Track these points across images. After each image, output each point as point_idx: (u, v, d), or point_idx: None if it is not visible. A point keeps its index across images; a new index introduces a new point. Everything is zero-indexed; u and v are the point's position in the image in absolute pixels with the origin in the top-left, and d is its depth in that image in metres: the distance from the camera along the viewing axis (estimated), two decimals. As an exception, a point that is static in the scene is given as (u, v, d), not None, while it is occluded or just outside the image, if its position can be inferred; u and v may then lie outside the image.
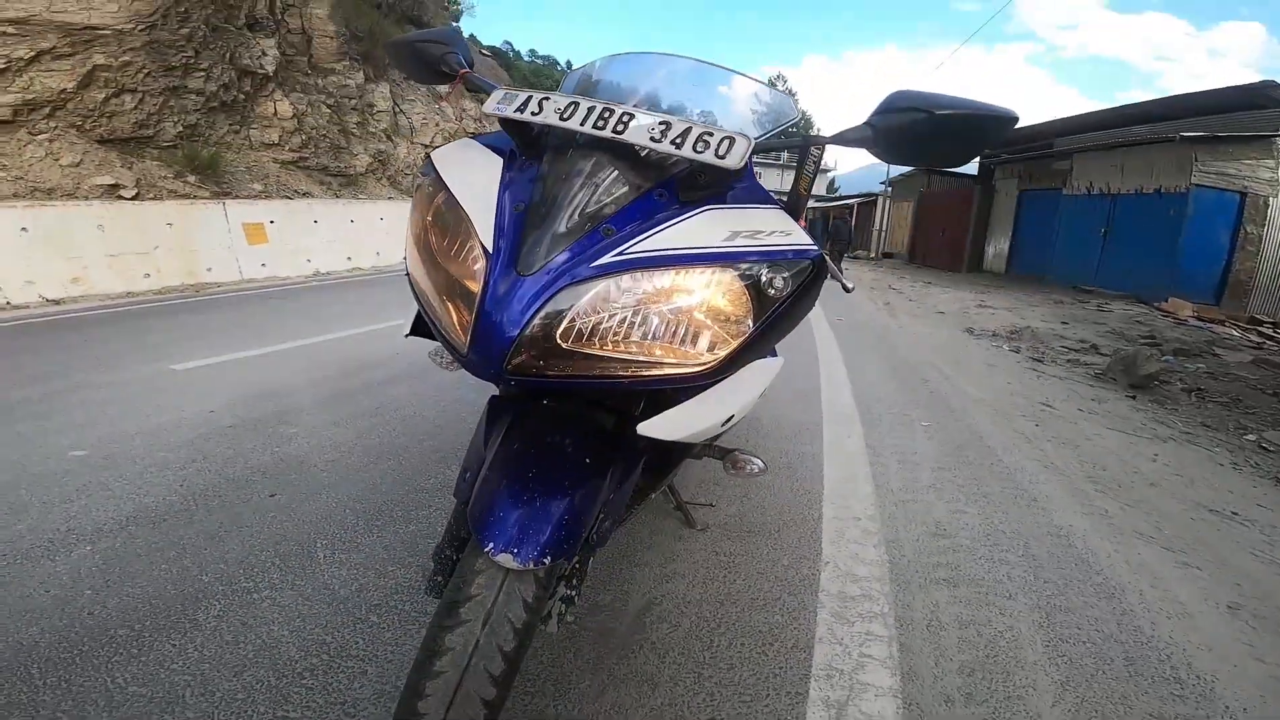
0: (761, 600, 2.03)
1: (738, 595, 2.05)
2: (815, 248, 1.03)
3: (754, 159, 1.07)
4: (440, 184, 1.11)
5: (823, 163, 1.37)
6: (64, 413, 3.55)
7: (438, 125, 17.73)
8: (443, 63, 1.44)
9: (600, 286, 0.93)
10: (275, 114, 12.68)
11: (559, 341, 0.93)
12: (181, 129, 10.76)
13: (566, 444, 1.11)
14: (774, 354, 1.29)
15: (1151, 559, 2.48)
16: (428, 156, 1.22)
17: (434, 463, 2.96)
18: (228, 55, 11.43)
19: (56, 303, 7.13)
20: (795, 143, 1.25)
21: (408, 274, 1.20)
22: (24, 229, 7.04)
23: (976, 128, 1.08)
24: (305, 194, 12.32)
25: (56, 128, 9.26)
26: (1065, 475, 3.31)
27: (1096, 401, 5.08)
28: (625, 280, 0.94)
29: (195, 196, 9.94)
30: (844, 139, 1.16)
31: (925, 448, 3.43)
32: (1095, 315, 10.41)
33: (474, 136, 1.25)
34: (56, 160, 9.03)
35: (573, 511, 1.01)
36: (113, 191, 9.19)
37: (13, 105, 8.71)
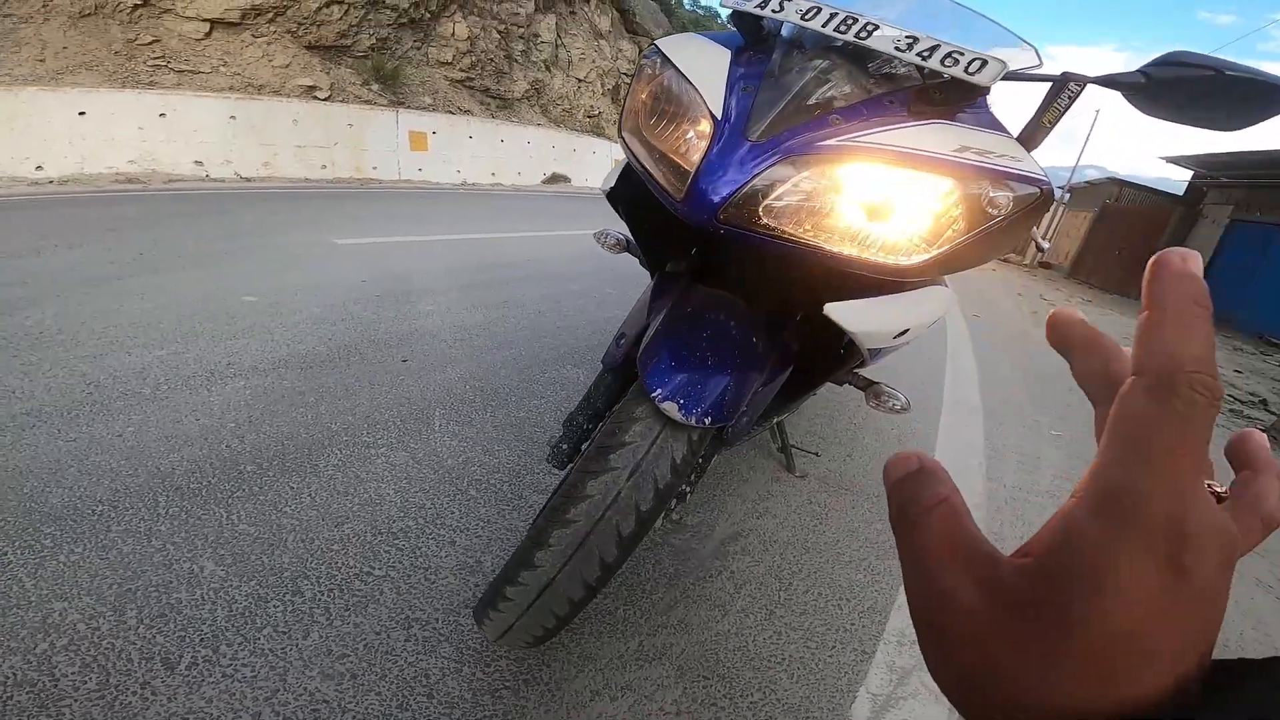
0: (847, 557, 1.78)
1: (824, 547, 1.80)
2: (1046, 178, 0.91)
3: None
4: (667, 63, 1.05)
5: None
6: (243, 265, 3.71)
7: (594, 63, 17.26)
8: None
9: (820, 165, 0.87)
10: (453, 34, 12.69)
11: (768, 208, 0.88)
12: (374, 41, 10.99)
13: (731, 325, 1.07)
14: (945, 285, 1.17)
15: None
16: (652, 43, 1.16)
17: (551, 360, 2.80)
18: (422, -27, 11.37)
19: (247, 180, 7.56)
20: (1052, 76, 1.06)
21: (622, 137, 1.15)
22: (233, 117, 7.54)
23: (1263, 95, 0.94)
24: (466, 111, 12.43)
25: (274, 32, 9.65)
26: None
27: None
28: (846, 166, 0.87)
29: (375, 103, 10.24)
30: (1113, 81, 0.99)
31: (1051, 455, 2.90)
32: (1277, 371, 8.57)
33: (700, 33, 1.16)
34: (270, 61, 9.43)
35: (733, 385, 0.97)
36: (310, 92, 9.56)
37: (241, 8, 9.12)
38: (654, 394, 0.91)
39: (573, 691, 1.12)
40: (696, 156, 0.91)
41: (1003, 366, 4.57)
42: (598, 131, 16.93)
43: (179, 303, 2.85)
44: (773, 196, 0.87)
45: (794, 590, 1.55)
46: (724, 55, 1.04)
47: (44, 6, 7.55)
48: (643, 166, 1.05)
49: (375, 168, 9.27)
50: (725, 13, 1.09)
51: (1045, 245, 1.55)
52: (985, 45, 1.37)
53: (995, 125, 1.00)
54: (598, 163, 15.02)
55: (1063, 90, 1.01)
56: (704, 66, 1.01)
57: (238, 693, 1.01)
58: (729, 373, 0.98)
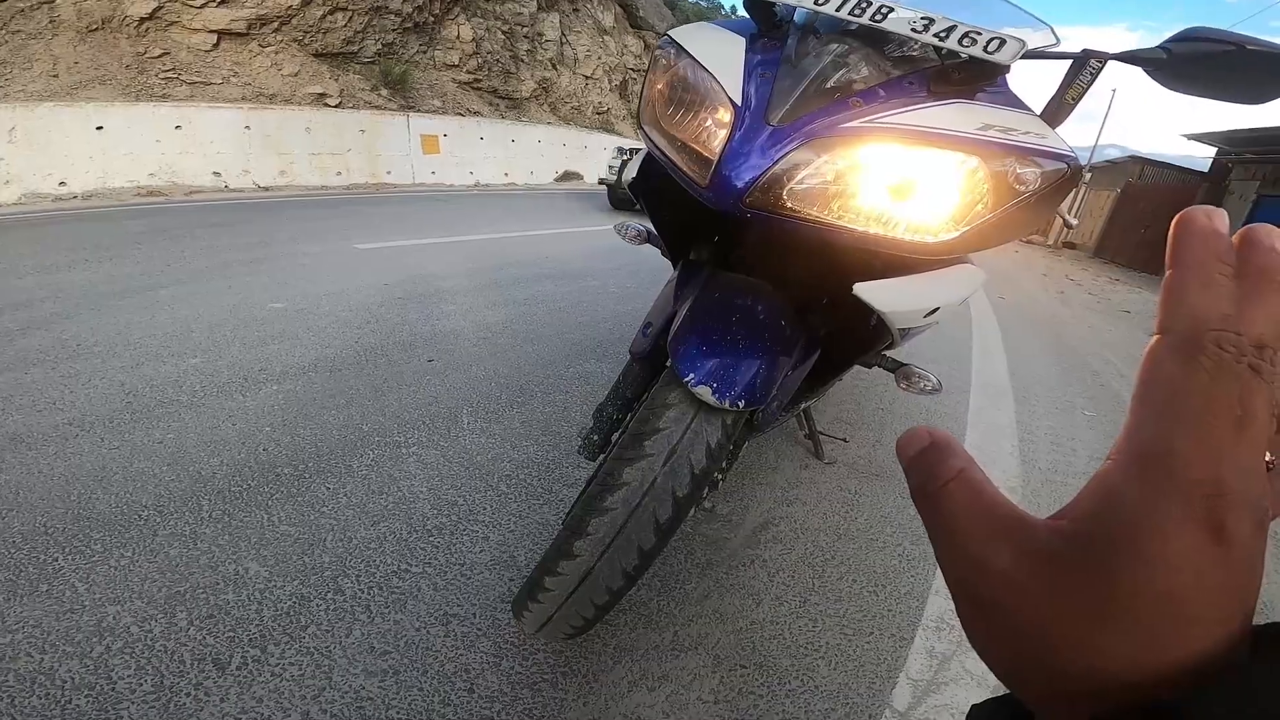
0: (881, 543, 1.74)
1: (857, 533, 1.76)
2: (1073, 153, 0.89)
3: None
4: (682, 52, 1.03)
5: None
6: (268, 273, 3.74)
7: (600, 59, 17.16)
8: None
9: (843, 147, 0.86)
10: (458, 37, 12.69)
11: (794, 190, 0.87)
12: (380, 46, 11.03)
13: (759, 310, 1.04)
14: (972, 264, 1.12)
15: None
16: (665, 33, 1.14)
17: (574, 354, 2.80)
18: (423, -23, 11.34)
19: (265, 189, 7.60)
20: (1072, 53, 1.04)
21: (641, 128, 1.13)
22: (247, 127, 7.59)
23: None
24: (475, 113, 12.45)
25: (281, 41, 9.71)
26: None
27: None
28: (869, 147, 0.85)
29: (385, 108, 10.28)
30: (1134, 57, 0.97)
31: (1086, 435, 2.81)
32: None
33: (712, 21, 1.13)
34: (279, 70, 9.48)
35: (765, 366, 0.96)
36: (320, 100, 9.61)
37: (247, 19, 9.17)
38: (687, 378, 0.90)
39: (610, 683, 1.12)
40: (718, 144, 0.90)
41: (1029, 349, 4.47)
42: (608, 128, 16.86)
43: (209, 312, 2.88)
44: (797, 180, 0.86)
45: (828, 577, 1.53)
46: (739, 43, 1.02)
47: (50, 23, 7.61)
48: (665, 156, 1.03)
49: (389, 172, 9.30)
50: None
51: (1073, 222, 1.50)
52: (1001, 26, 1.32)
53: (1017, 103, 0.98)
54: (610, 159, 15.02)
55: (1084, 67, 0.98)
56: (719, 54, 0.99)
57: (286, 692, 1.02)
58: (759, 356, 0.96)
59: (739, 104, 0.90)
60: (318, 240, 4.78)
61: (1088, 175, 21.56)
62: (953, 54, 0.89)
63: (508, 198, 9.75)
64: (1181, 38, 0.96)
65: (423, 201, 8.01)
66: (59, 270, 3.35)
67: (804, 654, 1.24)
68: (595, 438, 1.18)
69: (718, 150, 0.89)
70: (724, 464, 1.05)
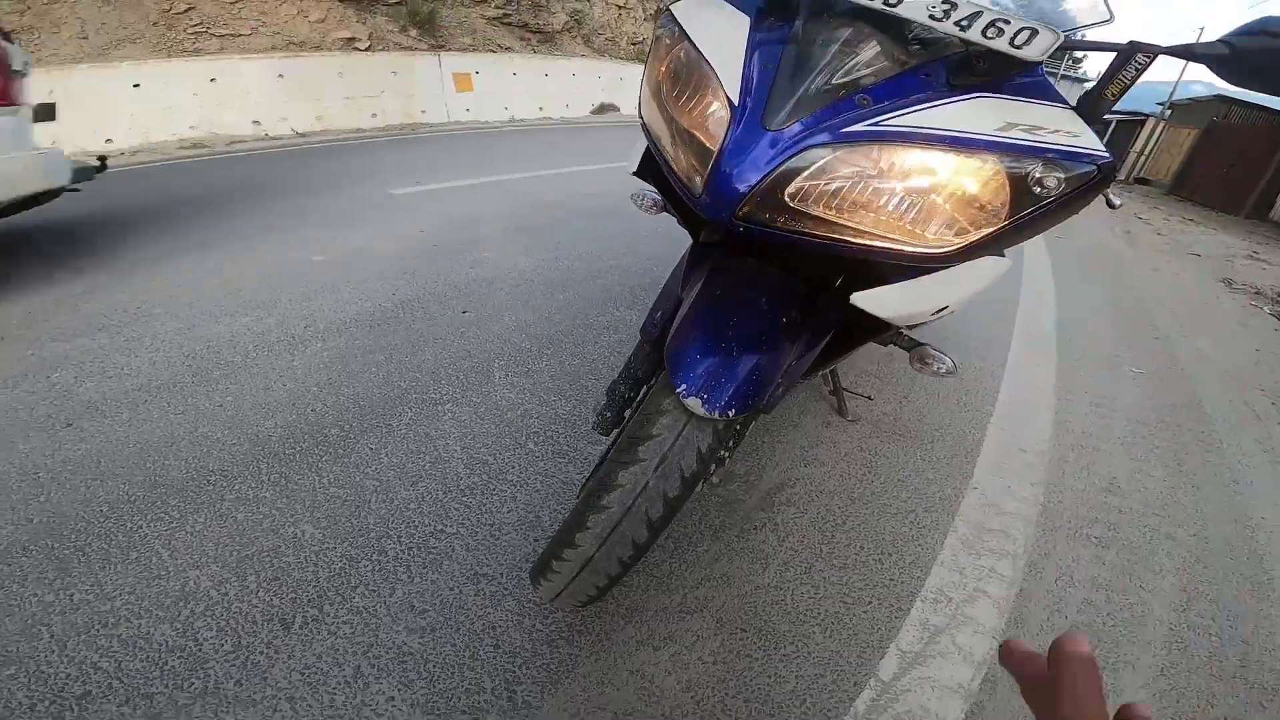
0: (895, 509, 1.77)
1: (872, 497, 1.79)
2: (1106, 154, 0.82)
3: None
4: (683, 35, 0.99)
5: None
6: (308, 224, 3.83)
7: (632, -15, 16.18)
8: None
9: (845, 153, 0.82)
10: (485, -30, 12.05)
11: (791, 199, 0.84)
12: (406, -15, 10.52)
13: (763, 302, 1.03)
14: (1001, 255, 1.06)
15: None
16: (666, 9, 1.09)
17: (605, 301, 2.85)
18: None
19: (303, 135, 7.65)
20: (1118, 46, 0.91)
21: (641, 119, 1.12)
22: (280, 75, 7.60)
23: None
24: (507, 49, 12.05)
25: (307, -14, 9.32)
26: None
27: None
28: (874, 151, 0.81)
29: (415, 49, 10.05)
30: (1190, 52, 0.86)
31: (1129, 396, 2.70)
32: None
33: None
34: (306, 17, 9.32)
35: (761, 369, 0.95)
36: (349, 44, 9.44)
37: (271, -35, 8.80)
38: (679, 389, 0.90)
39: (620, 641, 1.22)
40: (714, 147, 0.87)
41: (1083, 295, 4.27)
42: (643, 58, 16.10)
43: (255, 267, 3.01)
44: (793, 191, 0.83)
45: (836, 543, 1.58)
46: (742, 24, 0.97)
47: (70, -16, 7.54)
48: (662, 156, 1.02)
49: (424, 111, 9.18)
50: None
51: (1117, 203, 1.41)
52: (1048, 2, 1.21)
53: (1050, 93, 0.91)
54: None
55: (1128, 61, 0.89)
56: (721, 39, 0.95)
57: (340, 649, 1.15)
58: (759, 354, 0.96)
59: (735, 103, 0.86)
60: (355, 187, 4.84)
61: (1167, 112, 19.89)
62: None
63: (544, 133, 9.54)
64: (1246, 31, 0.87)
65: (457, 140, 7.93)
66: (113, 233, 3.51)
67: (803, 620, 1.32)
68: (609, 414, 1.21)
69: (713, 155, 0.86)
70: (725, 451, 1.07)
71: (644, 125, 1.11)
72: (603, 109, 13.17)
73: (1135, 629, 1.46)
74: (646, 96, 1.08)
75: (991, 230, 0.83)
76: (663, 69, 1.01)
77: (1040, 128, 0.82)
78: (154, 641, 1.15)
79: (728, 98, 0.87)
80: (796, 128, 0.83)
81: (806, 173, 0.82)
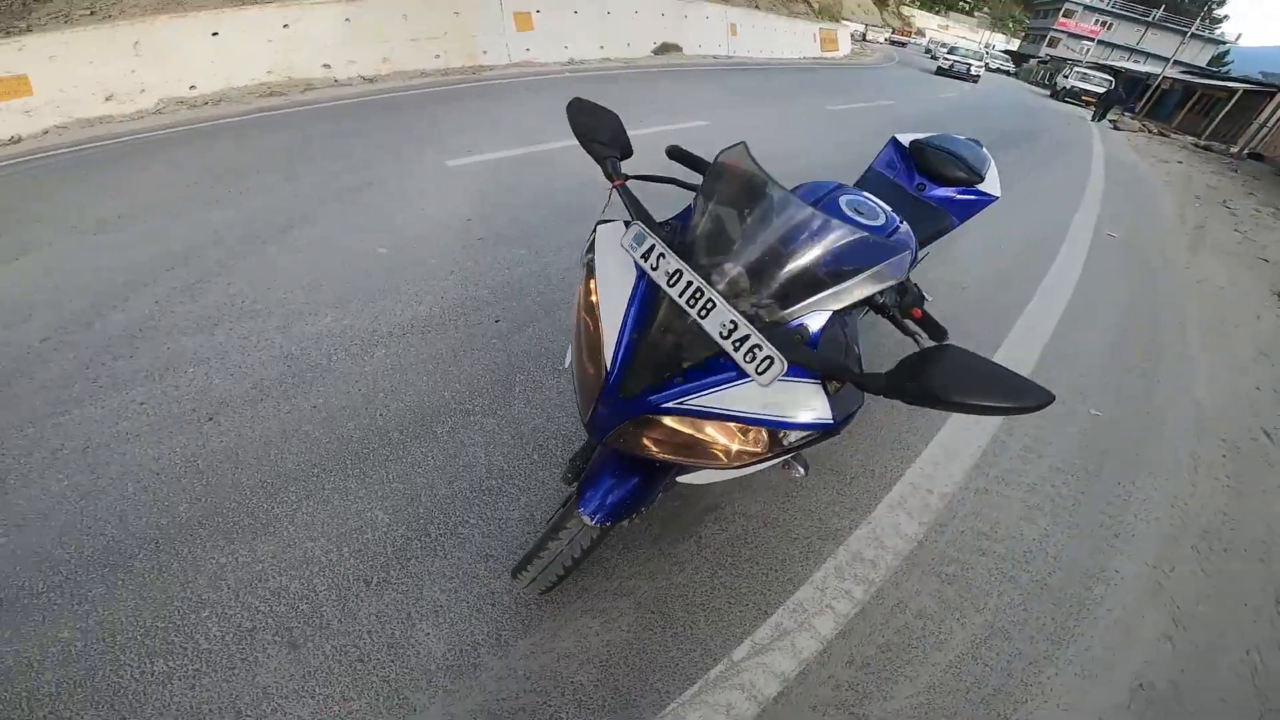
0: (795, 534, 2.18)
1: (783, 522, 2.22)
2: (827, 421, 1.17)
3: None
4: (591, 273, 1.35)
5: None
6: (373, 203, 4.33)
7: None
8: (604, 164, 1.62)
9: (667, 420, 1.24)
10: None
11: (638, 436, 1.27)
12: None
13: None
14: (804, 465, 1.54)
15: None
16: (596, 228, 1.43)
17: None
18: None
19: (370, 80, 7.99)
20: (872, 377, 1.12)
21: (573, 320, 1.46)
22: (347, 19, 7.91)
23: None
24: (568, -18, 11.80)
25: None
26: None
27: None
28: (684, 420, 1.23)
29: (475, -15, 9.96)
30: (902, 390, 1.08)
31: (1067, 442, 2.82)
32: None
33: (626, 222, 1.33)
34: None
35: (640, 492, 1.42)
36: (415, -18, 9.47)
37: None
38: (579, 511, 1.41)
39: (570, 610, 1.86)
40: (593, 398, 1.26)
41: (1103, 309, 4.19)
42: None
43: (329, 260, 3.53)
44: (634, 437, 1.26)
45: (740, 558, 2.06)
46: (630, 277, 1.28)
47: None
48: (574, 371, 1.39)
49: (485, 52, 9.42)
50: None
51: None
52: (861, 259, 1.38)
53: (812, 374, 1.19)
54: (710, 28, 14.01)
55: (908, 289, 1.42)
56: (614, 293, 1.27)
57: (399, 603, 1.85)
58: (641, 485, 1.41)
59: (609, 369, 1.22)
60: (414, 155, 5.31)
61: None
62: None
63: (604, 80, 9.68)
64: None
65: (516, 91, 8.23)
66: (205, 208, 4.09)
67: (694, 611, 1.92)
68: (570, 474, 1.62)
69: (593, 403, 1.26)
70: (641, 513, 1.55)
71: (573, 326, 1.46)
72: (664, 49, 12.90)
73: (930, 653, 1.89)
74: (575, 312, 1.42)
75: (759, 462, 1.25)
76: (582, 305, 1.36)
77: (782, 404, 1.16)
78: (290, 592, 1.85)
79: (605, 366, 1.23)
80: (638, 397, 1.21)
81: (646, 425, 1.24)
